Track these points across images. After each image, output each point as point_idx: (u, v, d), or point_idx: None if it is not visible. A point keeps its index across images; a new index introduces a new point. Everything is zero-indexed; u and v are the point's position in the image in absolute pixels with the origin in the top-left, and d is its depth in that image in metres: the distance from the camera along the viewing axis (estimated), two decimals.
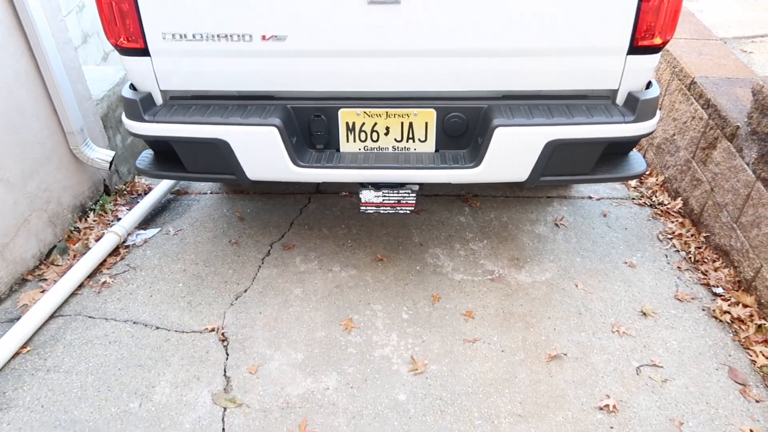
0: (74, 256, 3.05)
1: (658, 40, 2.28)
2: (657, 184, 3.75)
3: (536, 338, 2.61)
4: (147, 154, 2.67)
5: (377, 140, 2.53)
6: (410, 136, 2.51)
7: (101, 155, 3.26)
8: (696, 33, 4.05)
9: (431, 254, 3.15)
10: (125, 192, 3.70)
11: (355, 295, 2.85)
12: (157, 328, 2.63)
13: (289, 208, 3.55)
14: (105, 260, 3.02)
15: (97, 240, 3.11)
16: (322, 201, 3.62)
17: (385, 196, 2.57)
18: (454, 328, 2.66)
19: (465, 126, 2.48)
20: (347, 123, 2.49)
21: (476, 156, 2.43)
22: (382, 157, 2.52)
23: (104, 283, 2.88)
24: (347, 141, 2.53)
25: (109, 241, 3.06)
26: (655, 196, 3.65)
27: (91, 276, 2.91)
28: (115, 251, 3.10)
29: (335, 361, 2.47)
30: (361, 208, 2.60)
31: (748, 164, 2.84)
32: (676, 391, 2.35)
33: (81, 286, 2.84)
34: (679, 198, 3.50)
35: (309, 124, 2.48)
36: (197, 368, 2.42)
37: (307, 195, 3.68)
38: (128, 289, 2.86)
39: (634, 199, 3.65)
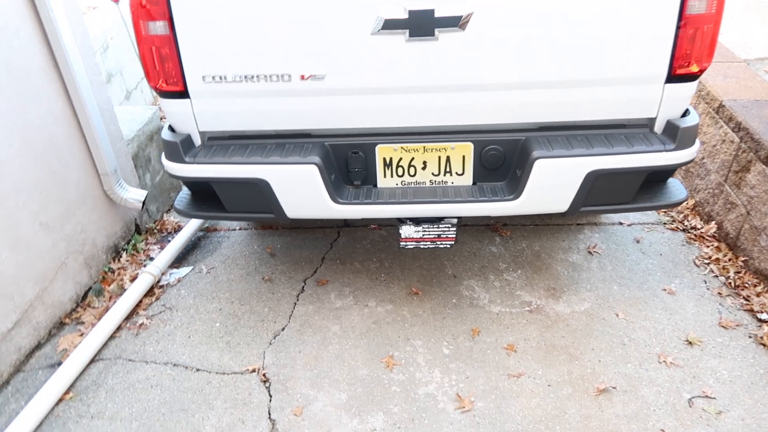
0: (110, 297, 3.04)
1: (695, 68, 2.28)
2: (688, 208, 3.71)
3: (582, 371, 2.56)
4: (185, 195, 2.68)
5: (414, 175, 2.52)
6: (447, 169, 2.51)
7: (134, 195, 3.28)
8: (719, 55, 4.05)
9: (466, 286, 3.12)
10: (155, 231, 3.71)
11: (394, 330, 2.82)
12: (198, 370, 2.61)
13: (319, 243, 3.54)
14: (141, 301, 3.01)
15: (131, 280, 3.11)
16: (352, 235, 3.61)
17: (425, 231, 2.56)
18: (497, 362, 2.61)
19: (503, 158, 2.47)
20: (384, 158, 2.49)
21: (516, 188, 2.42)
22: (419, 191, 2.52)
23: (142, 324, 2.87)
24: (384, 176, 2.53)
25: (144, 281, 3.06)
26: (687, 221, 3.61)
27: (128, 318, 2.91)
28: (149, 291, 3.09)
29: (380, 401, 2.43)
30: (401, 243, 2.59)
31: None
32: (731, 424, 2.29)
33: (119, 328, 2.84)
34: (713, 222, 3.46)
35: (347, 161, 2.49)
36: (241, 411, 2.38)
37: (336, 229, 3.67)
38: (166, 330, 2.85)
39: (665, 224, 3.62)
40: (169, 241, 3.47)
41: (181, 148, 2.38)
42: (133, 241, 3.51)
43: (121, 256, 3.36)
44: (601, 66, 2.25)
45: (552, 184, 2.37)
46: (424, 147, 2.46)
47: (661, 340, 2.71)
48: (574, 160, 2.32)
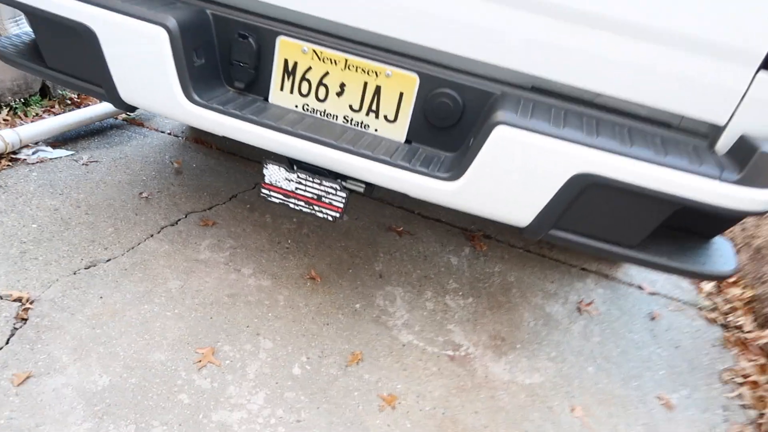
0: None
1: None
2: (740, 300, 2.63)
3: None
4: (20, 35, 1.90)
5: (324, 99, 1.63)
6: (373, 107, 1.60)
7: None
8: None
9: (386, 294, 2.22)
10: (69, 102, 2.98)
11: (246, 315, 1.95)
12: None
13: (243, 178, 2.71)
14: None
15: None
16: None
17: (299, 184, 1.66)
18: (357, 416, 1.71)
19: (459, 114, 1.54)
20: (287, 60, 1.61)
21: (459, 163, 1.49)
22: (323, 126, 1.62)
23: None
24: (281, 88, 1.65)
25: None
26: (734, 315, 2.54)
27: None
28: None
29: (148, 407, 1.58)
30: (262, 190, 1.70)
31: None
32: None
33: None
34: None
35: (230, 47, 1.63)
36: None
37: None
38: None
39: (702, 308, 2.57)
40: (60, 115, 2.72)
41: None
42: (29, 103, 2.80)
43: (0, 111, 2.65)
44: (668, 12, 1.27)
45: (513, 172, 1.42)
46: (347, 61, 1.56)
47: None
48: (558, 144, 1.35)
